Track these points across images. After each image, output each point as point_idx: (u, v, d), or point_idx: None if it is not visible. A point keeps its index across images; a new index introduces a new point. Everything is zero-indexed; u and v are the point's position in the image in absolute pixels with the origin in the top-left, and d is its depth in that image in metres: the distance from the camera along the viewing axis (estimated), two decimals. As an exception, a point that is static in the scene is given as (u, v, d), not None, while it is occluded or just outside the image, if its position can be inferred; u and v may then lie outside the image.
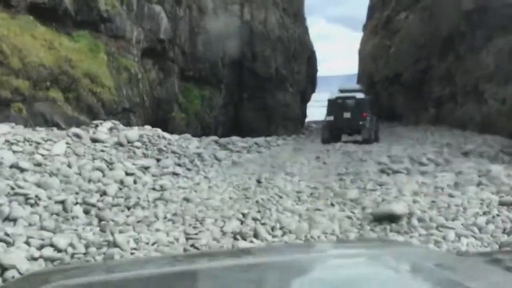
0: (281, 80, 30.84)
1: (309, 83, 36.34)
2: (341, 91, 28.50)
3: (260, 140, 23.62)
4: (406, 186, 11.77)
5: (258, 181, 12.57)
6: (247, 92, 30.92)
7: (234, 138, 23.25)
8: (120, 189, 11.69)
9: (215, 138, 21.78)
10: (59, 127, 17.61)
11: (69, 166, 12.64)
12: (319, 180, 13.34)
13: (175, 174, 13.97)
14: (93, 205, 9.81)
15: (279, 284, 1.84)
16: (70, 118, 19.49)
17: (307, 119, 40.16)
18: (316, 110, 49.25)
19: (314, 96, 42.96)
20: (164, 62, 27.42)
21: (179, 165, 15.50)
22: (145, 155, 15.62)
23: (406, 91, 42.78)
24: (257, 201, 10.35)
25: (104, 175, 12.57)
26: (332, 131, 26.16)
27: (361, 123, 25.88)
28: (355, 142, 26.00)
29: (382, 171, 14.78)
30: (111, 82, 22.25)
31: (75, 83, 20.64)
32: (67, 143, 14.09)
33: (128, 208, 9.79)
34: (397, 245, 2.70)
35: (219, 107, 30.17)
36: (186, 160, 16.04)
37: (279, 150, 21.71)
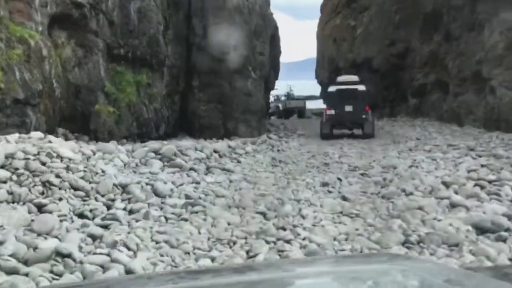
0: (241, 63, 22.95)
1: (272, 67, 28.61)
2: (340, 83, 25.10)
3: (222, 146, 15.69)
4: None
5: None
6: (198, 78, 22.86)
7: (184, 143, 15.29)
8: None
9: (155, 145, 13.67)
10: None
11: None
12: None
13: (61, 256, 5.97)
14: None
15: None
16: None
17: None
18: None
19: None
20: (83, 35, 18.91)
21: (81, 216, 7.52)
22: (14, 199, 7.54)
23: (378, 78, 35.63)
24: None
25: None
26: (333, 126, 23.38)
27: (364, 117, 22.82)
28: (345, 135, 22.65)
29: (480, 229, 7.25)
30: (-5, 60, 14.08)
31: None
32: None
33: None
34: (405, 260, 2.42)
35: (161, 97, 21.99)
36: (98, 204, 8.05)
37: (253, 164, 13.85)
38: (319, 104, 47.26)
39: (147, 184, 9.51)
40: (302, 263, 2.52)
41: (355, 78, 26.41)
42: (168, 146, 13.53)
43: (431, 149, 17.19)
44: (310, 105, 48.63)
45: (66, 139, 17.13)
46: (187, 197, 9.32)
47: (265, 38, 25.22)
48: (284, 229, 7.29)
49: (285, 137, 22.29)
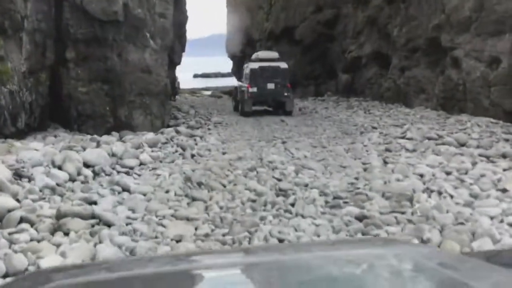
0: (135, 27, 16.22)
1: (177, 36, 22.05)
2: (260, 60, 23.46)
3: (99, 156, 9.13)
4: None
5: None
6: (74, 48, 15.88)
7: (31, 155, 8.58)
8: None
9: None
10: None
11: None
12: None
13: None
14: None
15: (282, 283, 1.68)
16: None
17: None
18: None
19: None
20: None
21: None
22: None
23: (301, 51, 29.92)
24: None
25: None
26: (255, 104, 22.65)
27: (286, 94, 22.32)
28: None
29: None
30: None
31: None
32: None
33: None
34: (399, 245, 2.37)
35: (19, 75, 14.90)
36: None
37: (152, 196, 7.37)
38: (230, 82, 41.22)
39: None
40: (298, 247, 2.43)
41: (275, 54, 24.55)
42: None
43: (415, 148, 11.58)
44: (219, 83, 42.57)
45: None
46: None
47: (167, -5, 18.56)
48: None
49: (199, 128, 15.93)
